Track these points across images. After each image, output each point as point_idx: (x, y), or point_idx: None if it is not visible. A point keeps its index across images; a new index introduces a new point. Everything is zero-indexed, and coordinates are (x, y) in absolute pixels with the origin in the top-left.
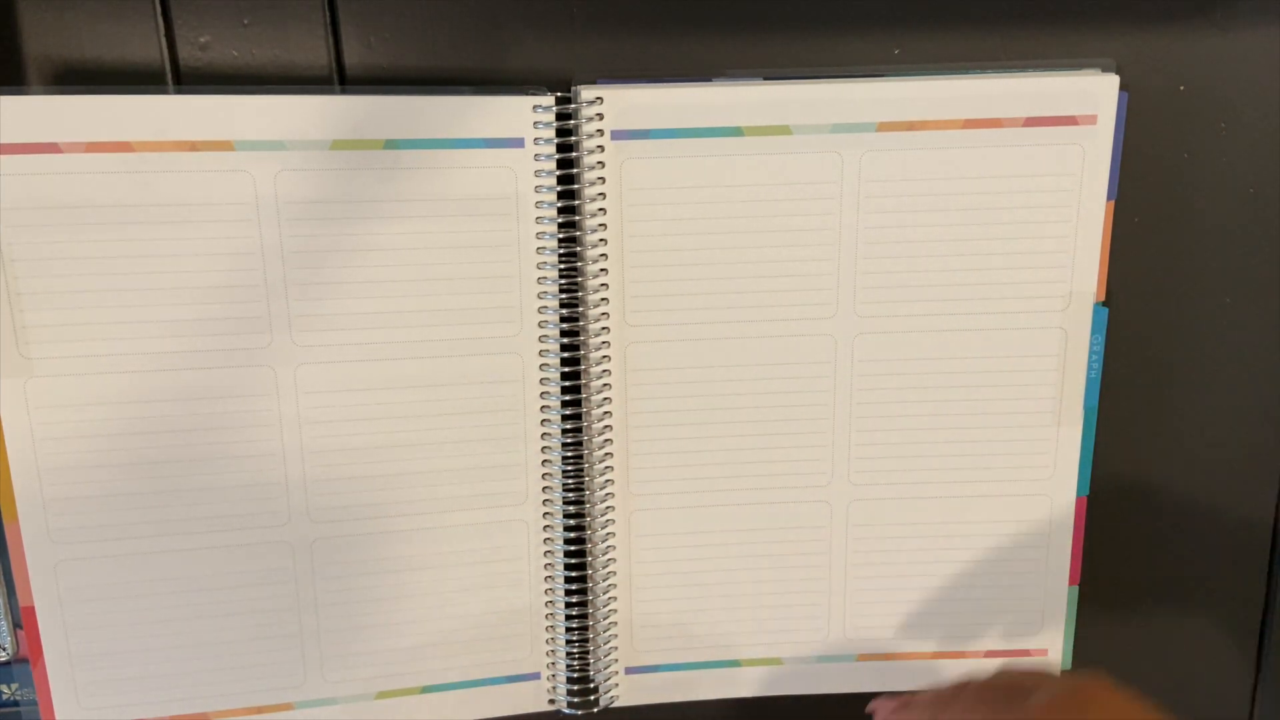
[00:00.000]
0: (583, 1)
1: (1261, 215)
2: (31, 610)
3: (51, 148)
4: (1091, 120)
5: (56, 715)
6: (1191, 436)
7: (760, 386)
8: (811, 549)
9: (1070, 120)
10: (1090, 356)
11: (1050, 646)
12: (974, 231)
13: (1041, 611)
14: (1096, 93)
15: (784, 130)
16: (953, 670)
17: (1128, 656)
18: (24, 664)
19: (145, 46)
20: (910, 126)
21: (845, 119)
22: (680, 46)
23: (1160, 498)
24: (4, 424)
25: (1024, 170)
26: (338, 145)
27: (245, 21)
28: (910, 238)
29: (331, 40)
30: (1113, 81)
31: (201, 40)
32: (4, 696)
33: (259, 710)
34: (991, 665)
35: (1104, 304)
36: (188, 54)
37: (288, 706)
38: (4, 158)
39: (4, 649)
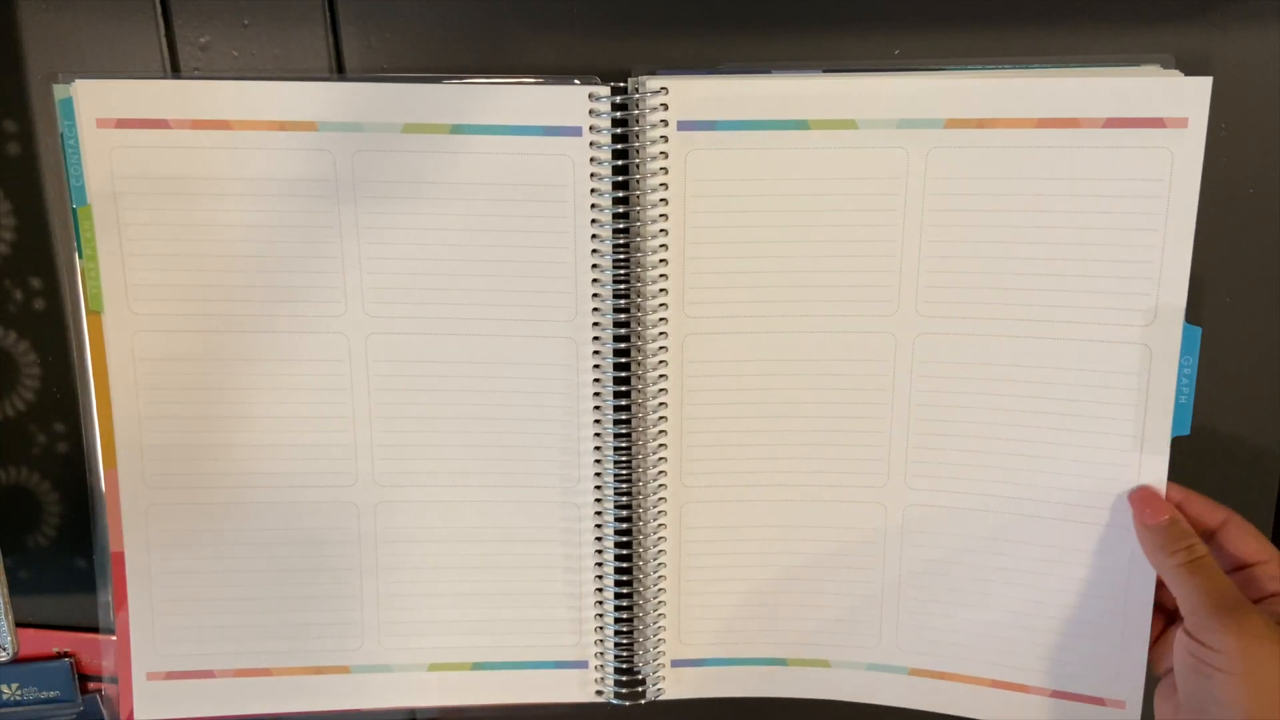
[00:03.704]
0: (581, 2)
1: (1261, 215)
2: (121, 556)
3: (161, 123)
4: (1182, 124)
5: (134, 660)
6: (1191, 436)
7: (818, 382)
8: (865, 551)
9: (1157, 123)
10: (1180, 379)
11: (1129, 699)
12: (1047, 235)
13: (1119, 658)
14: (1188, 94)
15: (850, 124)
16: (1013, 704)
17: None
18: (24, 664)
19: (145, 46)
20: (980, 124)
21: (912, 114)
22: (678, 44)
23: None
24: (110, 373)
25: (1105, 174)
26: (409, 129)
27: (245, 22)
28: (978, 238)
29: (331, 40)
30: (1205, 84)
31: (201, 40)
32: (4, 696)
33: (318, 670)
34: (1057, 706)
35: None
36: (188, 54)
37: (344, 669)
38: (122, 131)
39: (4, 649)
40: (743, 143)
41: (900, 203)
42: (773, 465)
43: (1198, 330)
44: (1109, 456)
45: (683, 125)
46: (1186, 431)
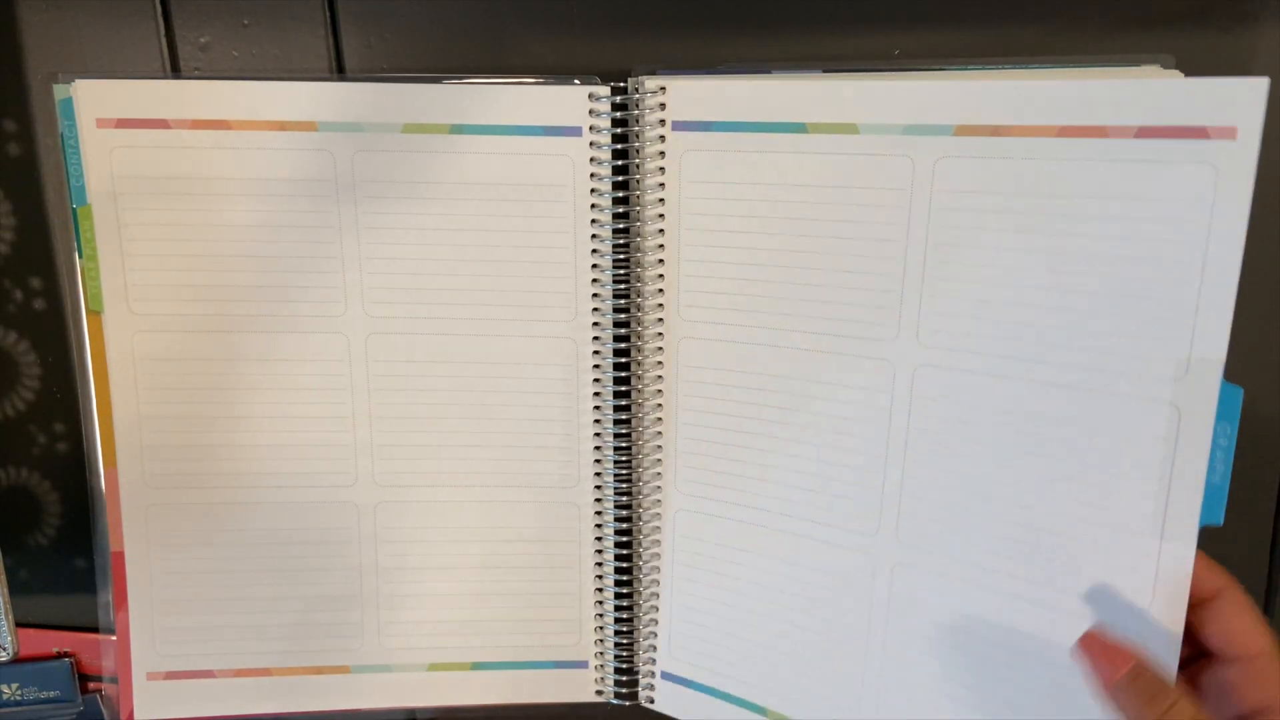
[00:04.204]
0: (581, 2)
1: (1262, 215)
2: (121, 555)
3: (161, 123)
4: (1229, 134)
5: (134, 660)
6: None
7: (810, 406)
8: (850, 607)
9: (1199, 132)
10: (1214, 452)
11: None
12: (1066, 263)
13: None
14: (1238, 98)
15: (851, 129)
16: None
17: None
18: (24, 664)
19: (145, 46)
20: (994, 131)
21: (918, 119)
22: (678, 44)
23: None
24: (110, 373)
25: (1136, 193)
26: (409, 129)
27: (245, 22)
28: (988, 261)
29: (331, 41)
30: (1260, 85)
31: (201, 40)
32: (4, 696)
33: (318, 670)
34: None
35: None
36: (188, 54)
37: (344, 669)
38: (122, 131)
39: (4, 649)
40: (738, 145)
41: (904, 216)
42: (761, 487)
43: (1238, 391)
44: (1124, 539)
45: (678, 126)
46: (1218, 520)
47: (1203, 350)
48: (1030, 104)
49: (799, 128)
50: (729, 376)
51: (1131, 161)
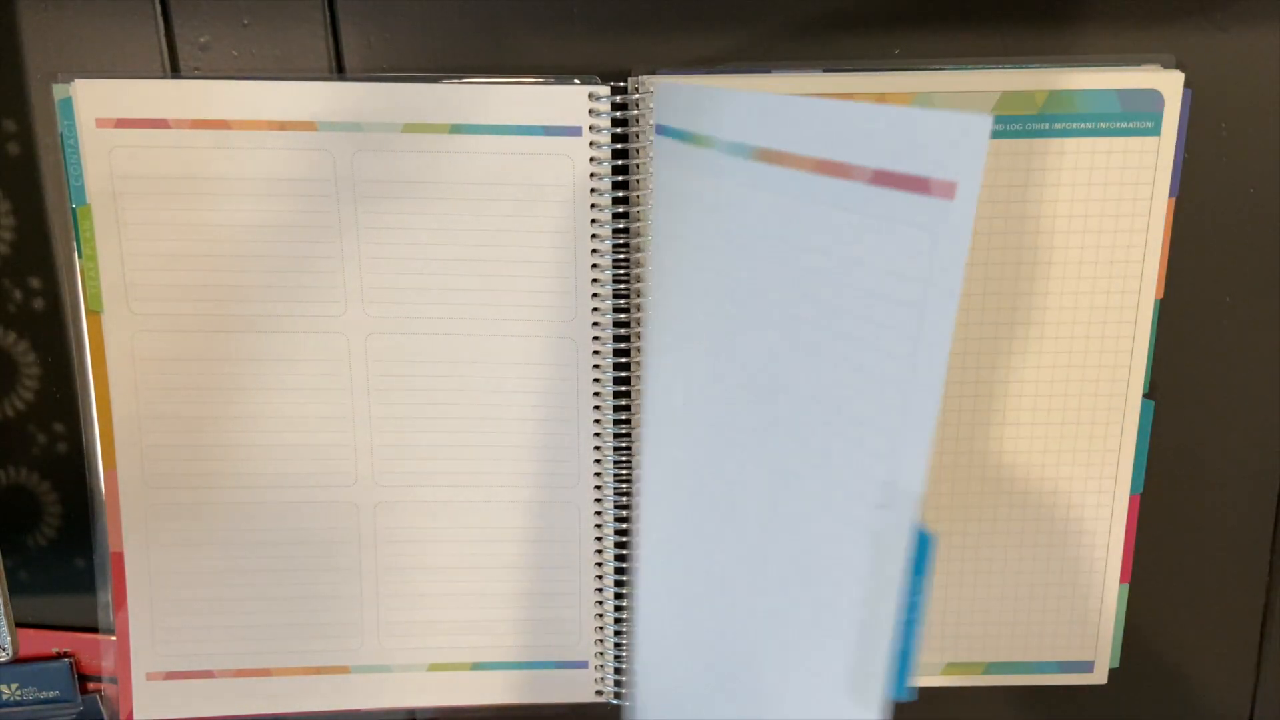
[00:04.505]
0: (581, 2)
1: (1261, 215)
2: (121, 556)
3: (161, 123)
4: (947, 191)
5: (133, 660)
6: (1190, 436)
7: (751, 446)
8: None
9: (920, 184)
10: (906, 610)
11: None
12: (802, 357)
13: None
14: (961, 141)
15: (707, 142)
16: None
17: (1129, 657)
18: (24, 664)
19: (145, 46)
20: (778, 158)
21: (739, 135)
22: (678, 44)
23: (1159, 496)
24: (110, 373)
25: (861, 259)
26: (409, 129)
27: (245, 21)
28: (759, 320)
29: (331, 40)
30: (982, 125)
31: (201, 40)
32: (4, 697)
33: (318, 670)
34: None
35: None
36: (188, 54)
37: (344, 669)
38: (121, 131)
39: (4, 649)
40: (680, 158)
41: (724, 245)
42: (726, 507)
43: (928, 540)
44: (819, 691)
45: (658, 130)
46: (903, 695)
47: (903, 478)
48: (803, 123)
49: (687, 137)
50: (692, 394)
51: (862, 215)
